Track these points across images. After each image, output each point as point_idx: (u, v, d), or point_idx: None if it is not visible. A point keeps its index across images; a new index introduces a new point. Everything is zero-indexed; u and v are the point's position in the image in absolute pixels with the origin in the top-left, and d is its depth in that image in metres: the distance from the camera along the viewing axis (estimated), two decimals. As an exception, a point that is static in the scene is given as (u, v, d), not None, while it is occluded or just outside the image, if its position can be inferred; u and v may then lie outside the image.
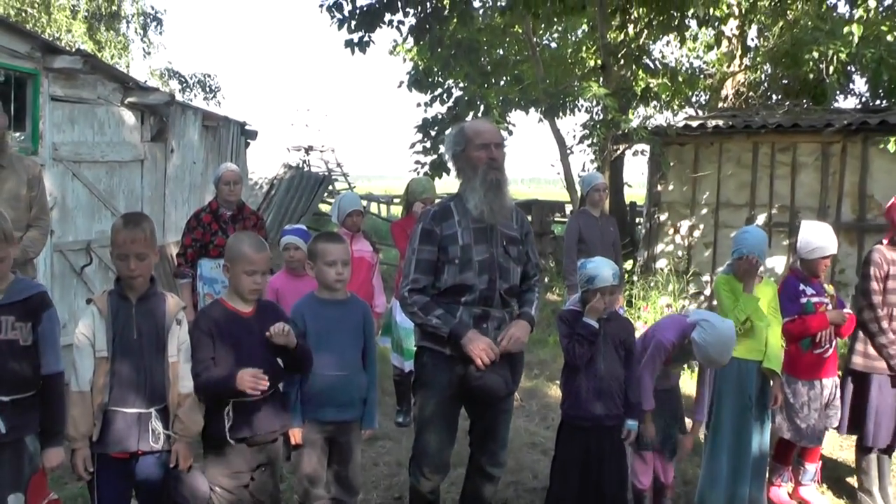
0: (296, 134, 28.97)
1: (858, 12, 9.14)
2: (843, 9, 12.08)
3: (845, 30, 8.57)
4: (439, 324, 2.93)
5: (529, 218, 12.17)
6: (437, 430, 3.06)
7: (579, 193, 7.19)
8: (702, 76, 11.95)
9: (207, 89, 20.73)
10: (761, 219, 8.40)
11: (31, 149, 5.98)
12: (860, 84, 11.79)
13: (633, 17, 9.34)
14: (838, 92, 10.80)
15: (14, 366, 2.49)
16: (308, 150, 26.43)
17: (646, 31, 9.42)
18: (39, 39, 6.05)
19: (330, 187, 20.32)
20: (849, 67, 9.79)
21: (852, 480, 4.32)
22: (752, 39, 12.27)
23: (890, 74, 8.72)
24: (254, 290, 2.82)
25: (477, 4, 10.35)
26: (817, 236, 3.83)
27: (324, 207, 20.60)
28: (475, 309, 2.98)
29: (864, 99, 11.54)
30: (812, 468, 4.07)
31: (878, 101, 10.66)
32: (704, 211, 8.85)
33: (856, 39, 8.44)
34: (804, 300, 3.85)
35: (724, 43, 11.28)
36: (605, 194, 5.72)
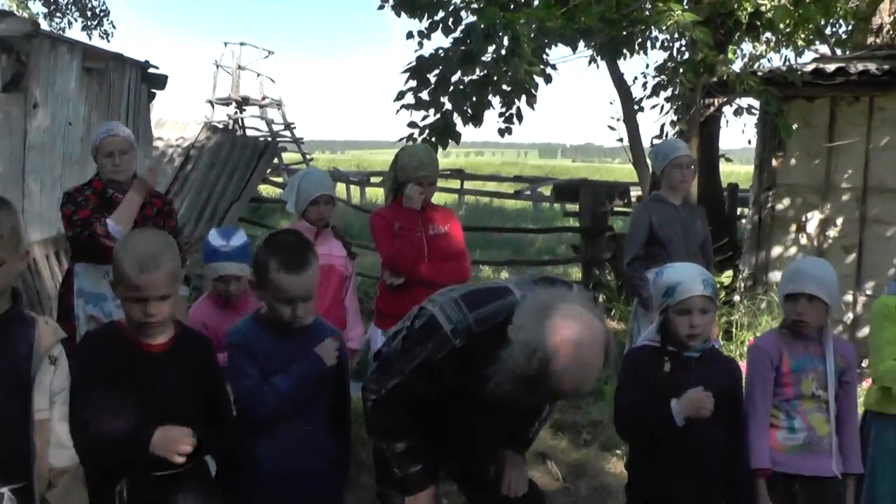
0: (224, 81, 28.95)
1: None
2: None
3: None
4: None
5: (576, 208, 12.16)
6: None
7: (651, 170, 7.19)
8: (841, -5, 11.92)
9: (90, 14, 20.78)
10: (933, 211, 8.41)
11: None
12: None
13: None
14: None
15: None
16: (242, 104, 26.49)
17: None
18: None
19: (275, 160, 20.38)
20: None
21: None
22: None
23: None
24: (146, 325, 2.85)
25: None
26: None
27: (266, 190, 20.64)
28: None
29: None
30: None
31: None
32: (845, 198, 8.85)
33: None
34: None
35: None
36: (690, 172, 5.73)
